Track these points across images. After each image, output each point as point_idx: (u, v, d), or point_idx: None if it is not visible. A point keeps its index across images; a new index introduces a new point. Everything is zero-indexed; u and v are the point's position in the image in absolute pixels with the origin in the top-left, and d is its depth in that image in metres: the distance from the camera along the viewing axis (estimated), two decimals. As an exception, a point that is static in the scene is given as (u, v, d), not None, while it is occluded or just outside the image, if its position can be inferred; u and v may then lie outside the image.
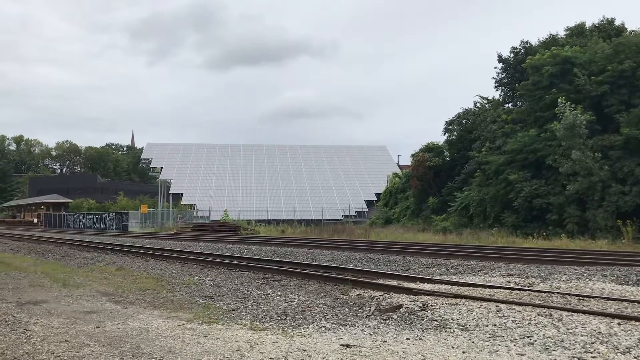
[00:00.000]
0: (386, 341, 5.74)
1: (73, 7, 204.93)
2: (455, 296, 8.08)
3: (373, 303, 8.08)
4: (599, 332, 5.87)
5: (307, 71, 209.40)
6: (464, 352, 5.22)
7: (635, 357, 5.03)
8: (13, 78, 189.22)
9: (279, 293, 9.35)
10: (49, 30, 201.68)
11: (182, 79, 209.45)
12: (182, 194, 64.30)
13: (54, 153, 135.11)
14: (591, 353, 5.16)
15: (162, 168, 68.61)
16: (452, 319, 6.75)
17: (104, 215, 63.57)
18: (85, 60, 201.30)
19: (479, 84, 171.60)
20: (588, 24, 37.93)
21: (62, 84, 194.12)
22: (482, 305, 7.32)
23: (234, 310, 7.82)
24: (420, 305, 7.54)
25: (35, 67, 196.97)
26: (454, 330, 6.24)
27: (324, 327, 6.56)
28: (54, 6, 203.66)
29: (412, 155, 43.82)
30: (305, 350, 5.29)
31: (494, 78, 39.98)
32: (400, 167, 68.40)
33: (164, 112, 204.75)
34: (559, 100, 28.01)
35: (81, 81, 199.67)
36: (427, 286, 9.22)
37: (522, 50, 38.00)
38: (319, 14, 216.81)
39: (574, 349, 5.32)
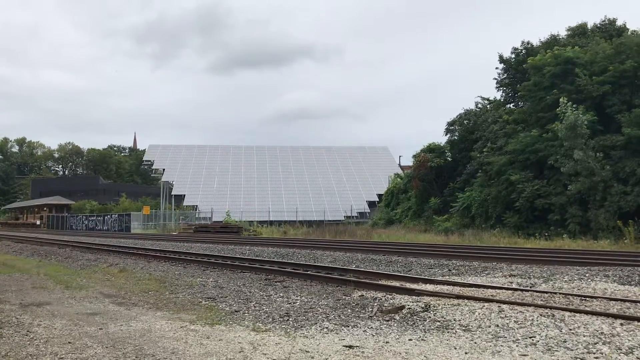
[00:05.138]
0: (388, 342, 5.75)
1: (82, 14, 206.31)
2: (458, 297, 8.08)
3: (375, 304, 8.09)
4: (602, 333, 5.88)
5: (309, 74, 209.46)
6: (466, 353, 5.23)
7: (638, 358, 5.04)
8: (20, 83, 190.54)
9: (281, 294, 9.36)
10: (58, 36, 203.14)
11: (186, 82, 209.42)
12: (184, 195, 64.29)
13: (56, 155, 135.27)
14: (594, 354, 5.16)
15: (164, 170, 68.56)
16: (455, 320, 6.75)
17: (106, 217, 63.66)
18: (92, 65, 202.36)
19: (480, 85, 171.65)
20: (589, 24, 37.91)
21: (68, 88, 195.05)
22: (484, 306, 7.33)
23: (236, 311, 7.84)
24: (423, 306, 7.55)
25: (43, 72, 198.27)
26: (456, 331, 6.24)
27: (326, 328, 6.57)
28: (64, 14, 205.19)
29: (414, 156, 43.75)
30: (308, 352, 5.31)
31: (495, 79, 40.00)
32: (402, 167, 68.32)
33: (166, 115, 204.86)
34: (561, 100, 27.97)
35: (87, 85, 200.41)
36: (430, 287, 9.23)
37: (523, 51, 37.96)
38: (323, 19, 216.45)
39: (577, 349, 5.33)
